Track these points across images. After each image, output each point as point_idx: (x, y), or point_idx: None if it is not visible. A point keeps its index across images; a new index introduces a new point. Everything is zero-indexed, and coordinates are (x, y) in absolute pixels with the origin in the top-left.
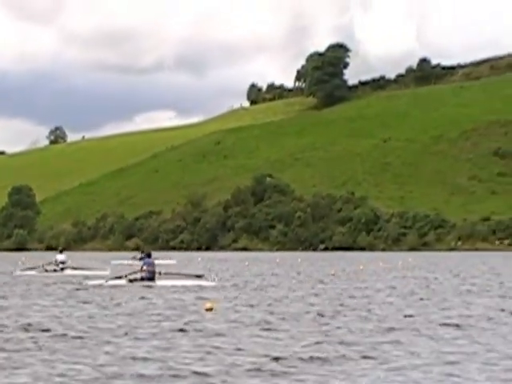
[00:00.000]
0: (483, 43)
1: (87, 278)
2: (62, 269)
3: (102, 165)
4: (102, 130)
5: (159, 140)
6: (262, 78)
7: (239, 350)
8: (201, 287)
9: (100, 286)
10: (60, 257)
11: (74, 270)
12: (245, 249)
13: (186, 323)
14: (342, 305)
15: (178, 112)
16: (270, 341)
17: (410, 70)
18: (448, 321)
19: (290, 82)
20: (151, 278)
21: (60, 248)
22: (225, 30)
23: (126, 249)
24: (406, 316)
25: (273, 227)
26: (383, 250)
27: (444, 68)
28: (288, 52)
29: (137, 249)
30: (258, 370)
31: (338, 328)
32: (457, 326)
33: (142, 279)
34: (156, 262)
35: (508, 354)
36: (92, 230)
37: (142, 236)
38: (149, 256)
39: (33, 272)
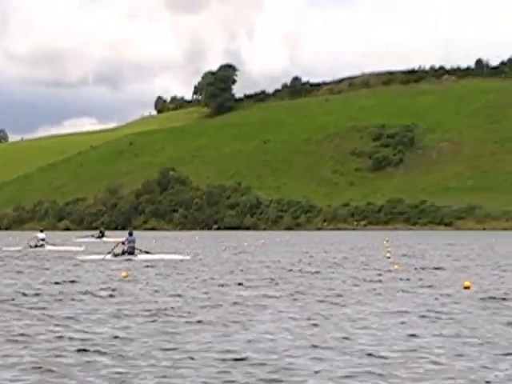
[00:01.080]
0: (343, 65)
1: (75, 253)
2: (42, 245)
3: (37, 161)
4: (38, 133)
5: (83, 141)
6: (166, 92)
7: (140, 302)
8: (175, 261)
9: (100, 260)
10: (40, 235)
11: (53, 246)
12: (153, 229)
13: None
14: (242, 270)
15: (98, 119)
16: (165, 298)
17: (285, 86)
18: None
19: (189, 95)
20: (132, 253)
21: (41, 228)
22: (137, 52)
23: (57, 229)
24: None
25: (175, 211)
26: (264, 229)
27: (312, 85)
28: (187, 71)
29: (95, 228)
30: (154, 315)
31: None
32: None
33: (124, 253)
34: (106, 239)
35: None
36: (30, 213)
37: (71, 218)
38: (130, 234)
39: (18, 248)
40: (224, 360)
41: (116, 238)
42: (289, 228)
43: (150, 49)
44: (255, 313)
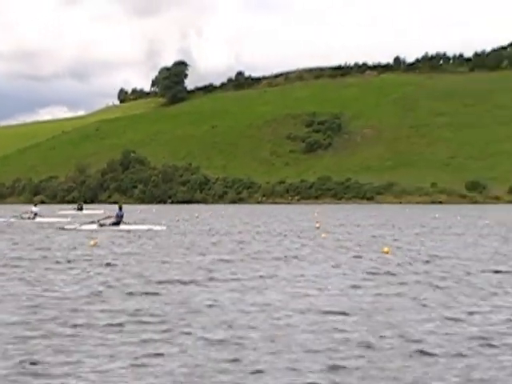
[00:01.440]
0: (280, 61)
1: (59, 223)
2: (34, 217)
3: (16, 144)
4: (15, 120)
5: (55, 127)
6: (128, 85)
7: (108, 265)
8: (152, 231)
9: (75, 229)
10: (34, 209)
11: (43, 218)
12: (116, 202)
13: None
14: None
15: (68, 107)
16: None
17: (230, 80)
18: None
19: (147, 87)
20: (118, 223)
21: (35, 202)
22: (103, 50)
23: (33, 202)
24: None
25: (135, 187)
26: (212, 203)
27: (253, 79)
28: (146, 66)
29: (75, 202)
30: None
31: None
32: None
33: (112, 224)
34: (85, 211)
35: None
36: (9, 189)
37: (45, 193)
38: (120, 209)
39: (12, 219)
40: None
41: (94, 210)
42: (233, 202)
43: (114, 48)
44: (213, 274)
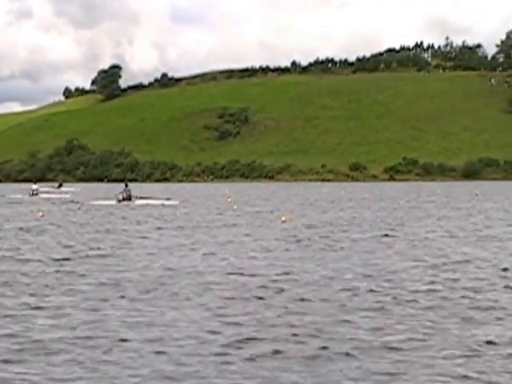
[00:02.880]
0: (197, 64)
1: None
2: (36, 194)
3: None
4: None
5: (11, 119)
6: (72, 84)
7: (60, 244)
8: (165, 205)
9: (110, 204)
10: (34, 186)
11: (44, 194)
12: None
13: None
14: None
15: (22, 103)
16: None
17: (156, 80)
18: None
19: (88, 86)
20: (129, 199)
21: (34, 180)
22: (51, 55)
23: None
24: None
25: (78, 169)
26: (141, 181)
27: (175, 79)
28: (87, 69)
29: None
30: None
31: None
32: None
33: (123, 199)
34: (64, 188)
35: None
36: None
37: (2, 174)
38: (126, 186)
39: (19, 195)
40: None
41: (72, 188)
42: (158, 180)
43: (60, 53)
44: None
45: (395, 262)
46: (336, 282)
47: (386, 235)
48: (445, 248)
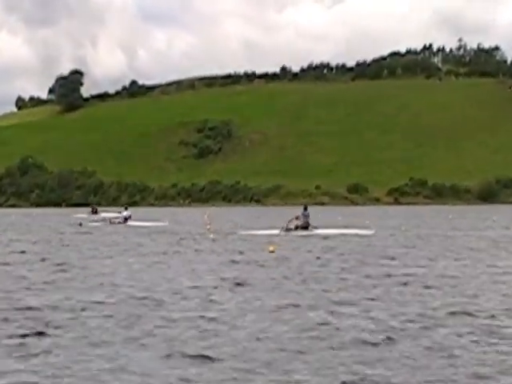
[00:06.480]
0: (172, 69)
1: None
2: (125, 222)
3: None
4: None
5: None
6: (25, 92)
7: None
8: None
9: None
10: (125, 213)
11: (135, 222)
12: (13, 205)
13: None
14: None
15: None
16: None
17: (124, 88)
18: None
19: (44, 95)
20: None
21: (125, 206)
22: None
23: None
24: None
25: (32, 191)
26: (106, 206)
27: (147, 87)
28: (43, 75)
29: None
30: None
31: None
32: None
33: (297, 228)
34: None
35: None
36: None
37: None
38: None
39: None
40: None
41: (110, 213)
42: (128, 204)
43: (11, 56)
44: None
45: None
46: None
47: None
48: None
